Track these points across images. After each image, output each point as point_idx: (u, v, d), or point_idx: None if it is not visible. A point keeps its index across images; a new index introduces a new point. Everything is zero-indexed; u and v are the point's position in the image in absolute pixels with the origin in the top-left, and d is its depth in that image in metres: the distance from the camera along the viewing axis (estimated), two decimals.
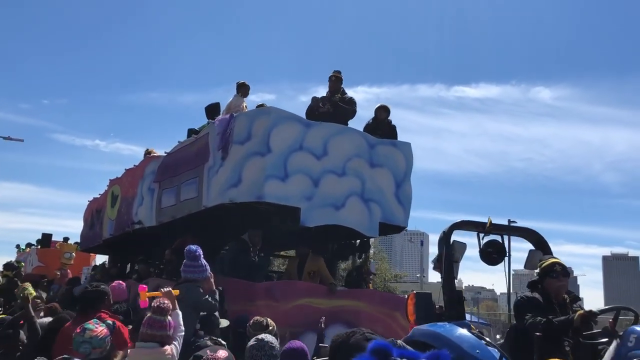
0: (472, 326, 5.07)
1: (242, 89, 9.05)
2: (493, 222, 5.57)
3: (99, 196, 14.02)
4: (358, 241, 9.17)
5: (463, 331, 4.99)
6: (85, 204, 15.19)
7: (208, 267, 5.54)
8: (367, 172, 8.30)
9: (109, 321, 4.16)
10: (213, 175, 8.00)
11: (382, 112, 8.93)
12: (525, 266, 5.73)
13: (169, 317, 4.04)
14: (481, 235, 5.54)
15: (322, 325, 6.24)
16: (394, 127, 8.90)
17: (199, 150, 8.66)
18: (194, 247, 5.40)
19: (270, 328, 4.88)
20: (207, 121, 9.50)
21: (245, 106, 8.92)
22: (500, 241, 5.60)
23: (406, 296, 6.06)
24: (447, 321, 5.23)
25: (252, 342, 3.61)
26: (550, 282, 4.68)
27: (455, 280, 5.44)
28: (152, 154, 10.77)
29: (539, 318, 4.32)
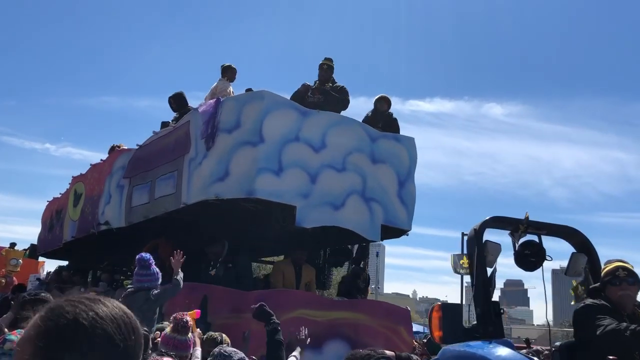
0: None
1: (228, 72, 8.06)
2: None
3: (59, 196, 12.75)
4: (357, 246, 8.25)
5: (508, 352, 4.12)
6: (36, 208, 13.98)
7: (160, 275, 5.42)
8: (369, 168, 7.42)
9: None
10: (195, 168, 7.00)
11: (383, 103, 8.06)
12: (567, 272, 4.89)
13: (190, 335, 3.69)
14: (515, 234, 4.72)
15: (303, 336, 5.20)
16: (395, 120, 8.04)
17: (177, 141, 7.64)
18: (145, 255, 5.31)
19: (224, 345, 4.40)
20: (175, 114, 8.50)
21: (232, 91, 7.94)
22: (538, 241, 4.80)
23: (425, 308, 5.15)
24: (483, 339, 4.37)
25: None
26: (612, 290, 3.83)
27: (492, 290, 4.58)
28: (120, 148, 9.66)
29: (625, 324, 3.45)
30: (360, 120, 7.86)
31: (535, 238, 4.82)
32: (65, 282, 11.30)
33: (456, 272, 4.53)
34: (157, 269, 5.52)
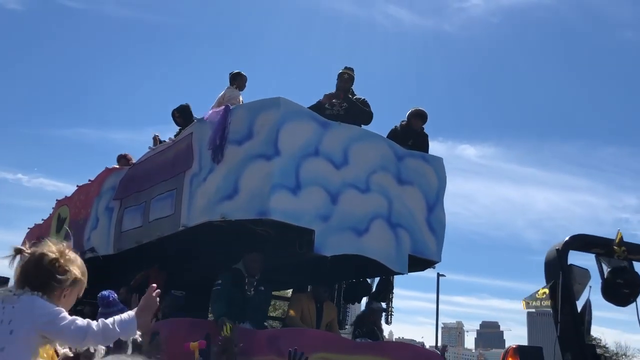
0: None
1: (238, 80, 7.23)
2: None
3: (42, 222, 11.70)
4: (377, 279, 7.28)
5: None
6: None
7: (125, 310, 4.88)
8: (395, 190, 6.54)
9: None
10: (198, 185, 6.08)
11: (418, 120, 7.17)
12: None
13: None
14: (605, 259, 3.86)
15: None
16: (426, 136, 7.19)
17: (178, 155, 6.73)
18: (106, 292, 5.22)
19: None
20: (179, 129, 7.62)
21: (242, 101, 7.10)
22: (629, 267, 3.91)
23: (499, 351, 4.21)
24: None
25: None
26: None
27: (586, 331, 3.65)
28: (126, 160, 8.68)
29: None
30: (385, 133, 7.03)
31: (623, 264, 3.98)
32: None
33: (529, 306, 3.66)
34: (122, 305, 5.33)
